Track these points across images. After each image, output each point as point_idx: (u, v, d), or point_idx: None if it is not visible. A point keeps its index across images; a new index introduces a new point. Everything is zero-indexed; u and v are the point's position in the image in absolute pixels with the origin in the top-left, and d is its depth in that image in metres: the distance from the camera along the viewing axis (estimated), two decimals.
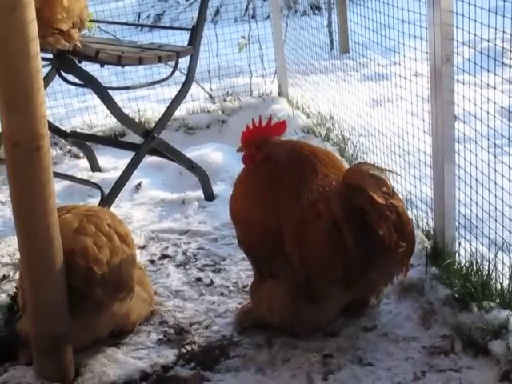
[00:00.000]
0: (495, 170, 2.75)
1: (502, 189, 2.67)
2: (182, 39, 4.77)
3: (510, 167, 2.62)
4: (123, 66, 3.71)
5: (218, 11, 9.60)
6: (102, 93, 3.59)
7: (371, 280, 2.45)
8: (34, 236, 2.34)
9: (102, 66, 3.66)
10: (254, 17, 8.31)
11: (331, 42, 6.46)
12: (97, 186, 3.77)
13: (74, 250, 2.46)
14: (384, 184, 2.37)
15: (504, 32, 2.46)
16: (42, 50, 2.27)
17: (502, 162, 2.68)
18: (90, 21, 3.58)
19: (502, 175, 2.68)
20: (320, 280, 2.45)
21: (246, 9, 9.58)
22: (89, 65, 3.77)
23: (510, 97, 2.58)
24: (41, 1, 2.85)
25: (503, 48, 2.74)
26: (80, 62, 3.59)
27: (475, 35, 2.66)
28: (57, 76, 3.87)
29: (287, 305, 2.54)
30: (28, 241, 2.36)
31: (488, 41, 2.60)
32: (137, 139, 4.16)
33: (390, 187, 2.39)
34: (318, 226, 2.42)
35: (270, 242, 2.56)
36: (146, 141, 3.75)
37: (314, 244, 2.43)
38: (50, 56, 3.55)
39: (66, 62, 3.52)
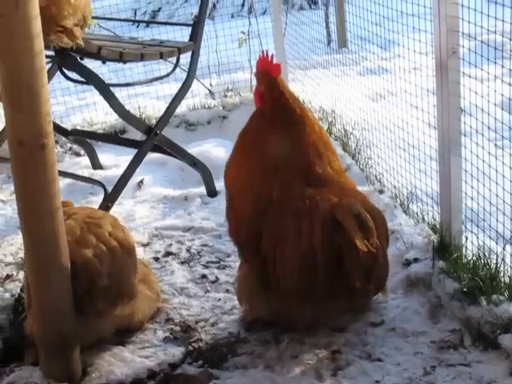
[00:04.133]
0: (502, 162, 2.74)
1: (510, 181, 2.65)
2: (181, 35, 4.75)
3: None
4: (125, 62, 3.69)
5: (214, 6, 9.57)
6: (105, 90, 3.57)
7: (330, 308, 2.54)
8: (39, 235, 2.32)
9: (103, 62, 3.64)
10: (251, 12, 8.28)
11: (328, 34, 6.44)
12: (100, 183, 3.74)
13: (76, 263, 2.44)
14: (367, 230, 2.35)
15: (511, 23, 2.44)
16: (44, 47, 2.24)
17: (510, 155, 2.66)
18: (92, 17, 3.55)
19: (510, 167, 2.66)
20: (287, 286, 2.48)
21: (243, 4, 9.56)
22: (88, 62, 3.75)
23: None
24: None
25: (510, 39, 2.71)
26: (82, 58, 3.57)
27: (482, 27, 2.64)
28: (56, 73, 3.85)
29: (252, 287, 2.59)
30: (33, 239, 2.34)
31: (495, 32, 2.58)
32: (137, 136, 4.14)
33: (373, 233, 2.36)
34: (296, 244, 2.44)
35: (258, 223, 2.57)
36: (149, 137, 3.73)
37: (289, 257, 2.45)
38: (52, 53, 3.52)
39: (67, 59, 3.49)
